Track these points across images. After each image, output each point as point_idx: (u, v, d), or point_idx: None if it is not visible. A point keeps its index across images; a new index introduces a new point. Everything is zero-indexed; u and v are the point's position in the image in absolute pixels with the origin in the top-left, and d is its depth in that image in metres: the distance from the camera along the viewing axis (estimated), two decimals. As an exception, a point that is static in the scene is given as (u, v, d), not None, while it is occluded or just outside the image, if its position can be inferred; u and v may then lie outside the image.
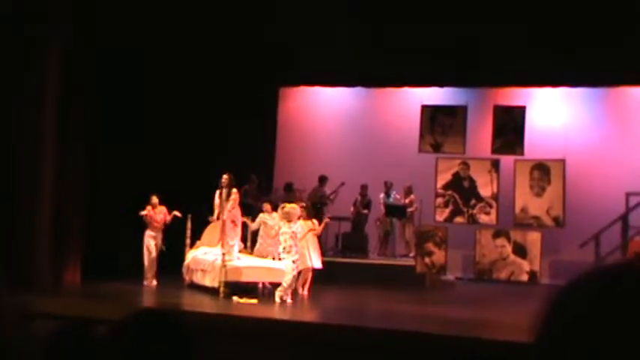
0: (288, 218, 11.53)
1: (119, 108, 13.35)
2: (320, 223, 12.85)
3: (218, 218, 12.81)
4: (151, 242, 12.76)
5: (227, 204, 12.48)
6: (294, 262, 11.37)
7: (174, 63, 13.62)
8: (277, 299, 11.29)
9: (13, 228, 11.58)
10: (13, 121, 11.74)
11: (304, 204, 13.30)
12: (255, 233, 13.31)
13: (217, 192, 12.70)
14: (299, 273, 11.91)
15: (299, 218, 11.90)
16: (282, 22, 13.15)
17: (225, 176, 12.57)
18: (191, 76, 13.92)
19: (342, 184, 15.51)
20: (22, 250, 11.55)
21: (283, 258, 11.46)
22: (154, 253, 12.73)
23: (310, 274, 12.45)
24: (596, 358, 0.90)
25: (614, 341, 0.90)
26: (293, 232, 11.46)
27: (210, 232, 13.27)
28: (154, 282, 12.75)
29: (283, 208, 11.81)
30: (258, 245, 13.10)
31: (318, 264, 12.50)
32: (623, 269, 0.99)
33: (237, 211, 12.68)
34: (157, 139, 13.85)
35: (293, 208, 11.78)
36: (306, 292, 12.33)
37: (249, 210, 13.64)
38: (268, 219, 12.82)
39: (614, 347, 0.90)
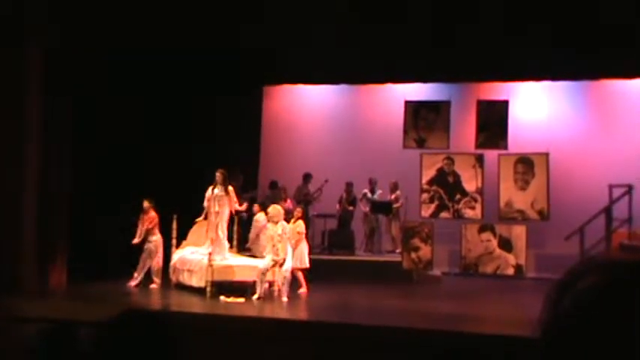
0: (274, 220, 11.70)
1: (104, 108, 13.30)
2: (306, 224, 13.00)
3: (206, 217, 12.72)
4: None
5: (222, 200, 12.43)
6: (274, 262, 11.50)
7: (160, 61, 13.57)
8: (284, 298, 11.39)
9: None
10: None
11: (300, 207, 13.38)
12: (244, 232, 13.38)
13: (210, 189, 12.53)
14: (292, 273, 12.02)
15: (296, 220, 12.38)
16: (264, 22, 13.12)
17: (218, 173, 12.50)
18: (176, 75, 13.89)
19: (326, 181, 15.51)
20: (8, 253, 11.47)
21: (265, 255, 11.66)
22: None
23: (301, 273, 12.41)
24: (596, 352, 0.91)
25: (612, 336, 0.91)
26: (279, 235, 11.56)
27: (196, 231, 13.22)
28: (156, 284, 12.73)
29: (268, 211, 12.04)
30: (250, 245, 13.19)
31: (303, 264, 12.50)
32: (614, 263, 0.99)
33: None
34: (141, 138, 13.80)
35: (275, 209, 11.92)
36: (305, 290, 12.31)
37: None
38: (259, 219, 12.96)
39: (612, 341, 0.91)
